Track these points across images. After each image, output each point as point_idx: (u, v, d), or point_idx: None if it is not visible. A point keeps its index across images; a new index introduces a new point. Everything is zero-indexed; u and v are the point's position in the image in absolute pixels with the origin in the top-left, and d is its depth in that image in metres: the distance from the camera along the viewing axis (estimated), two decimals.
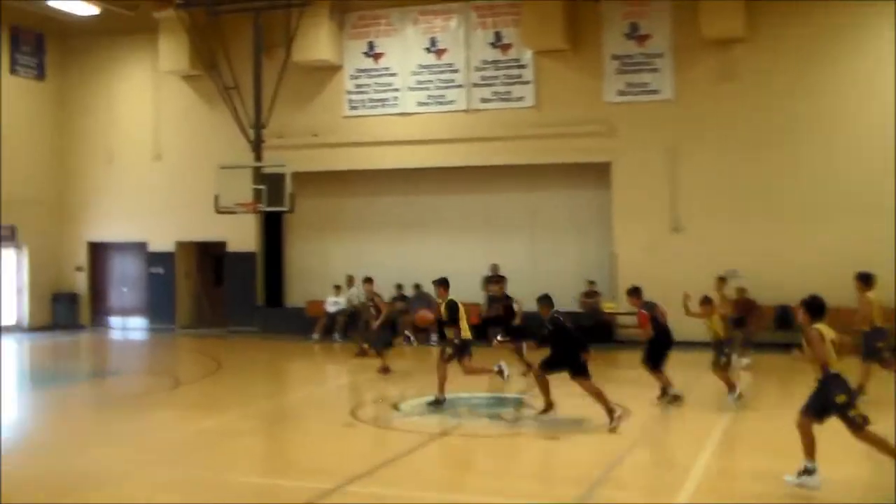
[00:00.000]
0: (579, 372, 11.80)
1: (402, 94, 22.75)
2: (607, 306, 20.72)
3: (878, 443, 8.49)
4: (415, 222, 23.26)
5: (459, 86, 22.27)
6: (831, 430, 8.64)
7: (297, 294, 24.22)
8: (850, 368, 9.04)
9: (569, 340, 11.93)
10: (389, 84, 22.86)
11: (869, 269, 12.96)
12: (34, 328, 24.90)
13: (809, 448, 8.45)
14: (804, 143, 19.90)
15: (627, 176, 21.05)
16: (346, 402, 13.52)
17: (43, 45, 25.65)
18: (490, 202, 22.78)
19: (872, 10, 19.48)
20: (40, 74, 25.65)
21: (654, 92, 20.86)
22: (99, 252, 26.25)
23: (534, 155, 21.57)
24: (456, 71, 22.31)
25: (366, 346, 18.19)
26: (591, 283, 21.08)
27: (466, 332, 13.20)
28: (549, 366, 12.10)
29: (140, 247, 25.51)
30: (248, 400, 14.75)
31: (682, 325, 13.75)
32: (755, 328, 17.45)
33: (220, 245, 24.51)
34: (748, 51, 20.21)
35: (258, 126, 19.67)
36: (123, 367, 19.71)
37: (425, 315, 14.74)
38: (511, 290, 21.10)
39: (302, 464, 10.53)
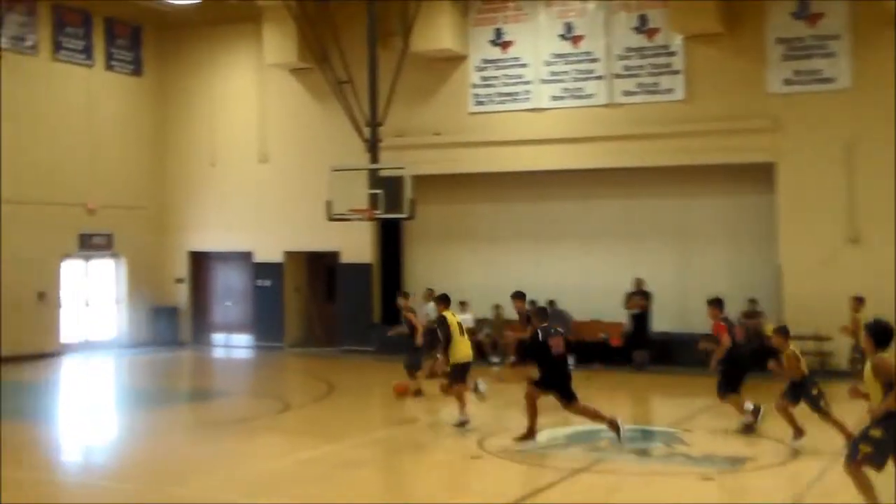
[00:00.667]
0: (566, 397, 12.66)
1: (533, 87, 22.77)
2: (771, 329, 20.19)
3: None
4: (548, 230, 23.21)
5: (599, 77, 22.15)
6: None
7: (418, 310, 24.37)
8: None
9: (550, 358, 12.61)
10: (520, 76, 22.92)
11: None
12: (133, 344, 25.85)
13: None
14: None
15: (795, 178, 20.53)
16: (473, 432, 13.56)
17: (139, 38, 26.69)
18: (633, 208, 22.55)
19: None
20: (137, 70, 26.69)
21: (828, 80, 20.31)
22: (200, 262, 27.09)
23: (684, 155, 21.24)
24: (595, 60, 22.20)
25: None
26: (753, 301, 20.61)
27: (461, 354, 14.45)
28: (540, 384, 12.78)
29: (245, 257, 26.21)
30: (363, 427, 14.99)
31: None
32: None
33: (333, 256, 24.97)
34: None
35: (374, 124, 19.89)
36: (227, 388, 20.28)
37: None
38: (657, 308, 20.96)
39: (423, 499, 10.62)
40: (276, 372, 22.49)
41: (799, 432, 12.59)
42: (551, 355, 12.67)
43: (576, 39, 22.39)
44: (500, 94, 23.16)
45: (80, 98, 25.02)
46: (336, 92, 20.61)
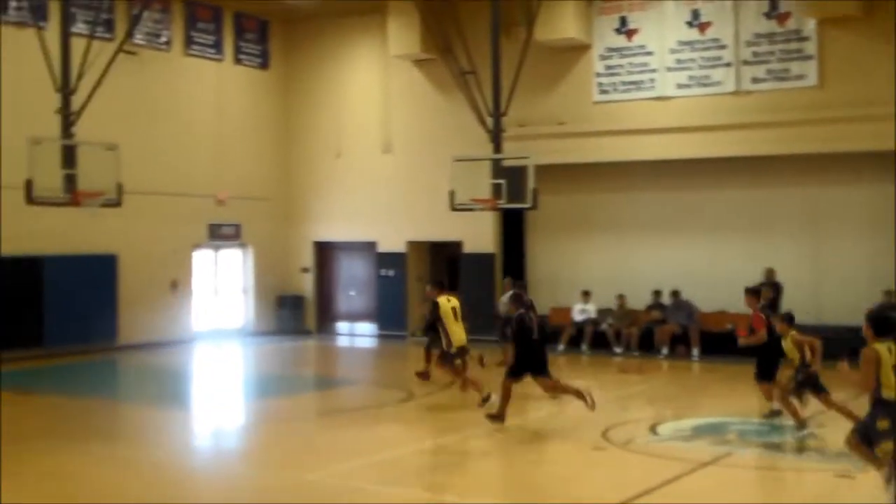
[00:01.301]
0: (539, 371, 13.50)
1: (659, 75, 22.54)
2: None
3: None
4: (673, 221, 22.96)
5: (727, 64, 21.77)
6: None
7: (540, 300, 24.23)
8: None
9: (531, 341, 13.48)
10: (645, 64, 22.70)
11: None
12: (259, 332, 26.55)
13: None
14: None
15: None
16: (596, 422, 13.55)
17: (267, 32, 27.33)
18: (762, 198, 22.13)
19: None
20: (264, 63, 27.32)
21: None
22: (325, 252, 27.62)
23: (817, 143, 20.70)
24: (723, 47, 21.83)
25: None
26: (889, 293, 20.00)
27: (457, 339, 15.38)
28: (515, 373, 13.60)
29: (369, 247, 26.63)
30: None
31: None
32: None
33: (456, 246, 25.18)
34: None
35: (497, 114, 19.95)
36: (351, 377, 20.66)
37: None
38: (787, 300, 20.53)
39: (547, 490, 10.68)
40: (398, 361, 22.78)
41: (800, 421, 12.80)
42: (531, 339, 13.60)
43: (703, 26, 22.06)
44: (625, 83, 22.99)
45: (209, 92, 25.77)
46: (459, 82, 20.71)
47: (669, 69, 22.43)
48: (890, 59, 20.12)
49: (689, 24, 22.20)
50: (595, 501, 9.65)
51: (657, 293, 22.01)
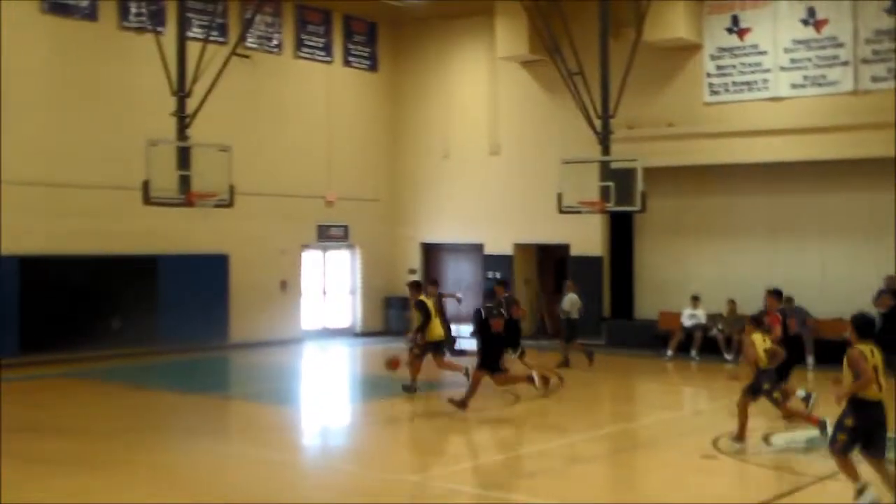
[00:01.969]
0: (493, 369, 14.63)
1: (772, 75, 21.99)
2: None
3: None
4: (785, 224, 22.39)
5: (844, 63, 21.11)
6: None
7: (648, 305, 24.14)
8: None
9: (490, 337, 14.62)
10: (758, 64, 22.17)
11: None
12: (366, 332, 26.74)
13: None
14: None
15: None
16: (706, 430, 13.26)
17: (375, 34, 27.53)
18: (880, 202, 21.30)
19: None
20: (372, 65, 27.53)
21: None
22: (432, 254, 27.68)
23: None
24: (840, 45, 21.17)
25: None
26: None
27: (435, 334, 16.47)
28: (482, 365, 14.78)
29: (476, 249, 26.59)
30: (594, 422, 14.95)
31: None
32: None
33: (563, 248, 24.98)
34: None
35: (605, 116, 19.76)
36: (456, 379, 20.59)
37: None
38: None
39: (653, 498, 10.50)
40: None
41: (742, 434, 12.33)
42: (491, 333, 14.73)
43: (819, 24, 21.44)
44: (736, 84, 22.50)
45: (319, 94, 26.07)
46: (567, 84, 20.56)
47: (783, 69, 21.87)
48: None
49: (805, 21, 21.61)
50: None
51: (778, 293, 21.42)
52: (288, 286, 25.07)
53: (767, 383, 12.55)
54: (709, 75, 22.85)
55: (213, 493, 10.35)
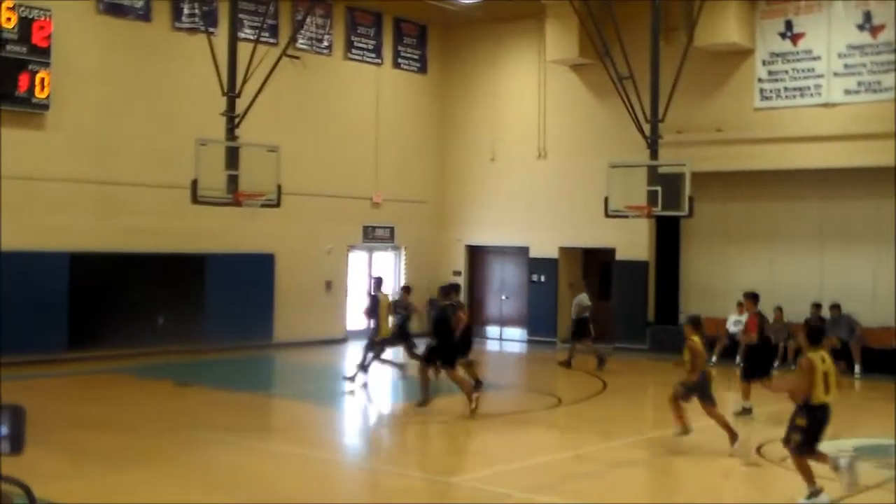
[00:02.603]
0: (446, 361, 14.93)
1: (825, 80, 21.78)
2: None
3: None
4: (835, 231, 22.17)
5: None
6: None
7: (693, 310, 23.68)
8: None
9: (446, 333, 15.05)
10: (811, 70, 21.98)
11: None
12: (410, 334, 26.72)
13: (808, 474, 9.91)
14: None
15: None
16: (749, 437, 13.16)
17: (425, 36, 27.63)
18: None
19: None
20: (422, 68, 27.63)
21: None
22: (477, 256, 27.73)
23: None
24: None
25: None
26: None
27: (384, 331, 17.56)
28: (427, 359, 15.21)
29: (521, 252, 26.59)
30: (636, 426, 14.90)
31: None
32: None
33: (609, 252, 24.92)
34: None
35: (654, 120, 19.64)
36: (500, 381, 20.63)
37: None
38: None
39: None
40: (548, 367, 22.65)
41: (684, 428, 12.77)
42: (449, 329, 15.22)
43: (875, 29, 21.20)
44: (788, 89, 22.32)
45: (368, 95, 26.21)
46: (617, 88, 20.48)
47: (837, 74, 21.66)
48: None
49: (860, 27, 21.38)
50: None
51: (817, 306, 21.24)
52: (333, 286, 25.21)
53: (698, 384, 12.78)
54: (760, 80, 22.69)
55: (255, 491, 10.45)
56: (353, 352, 23.89)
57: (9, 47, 19.12)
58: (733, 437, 12.48)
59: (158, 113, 21.71)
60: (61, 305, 20.03)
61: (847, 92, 21.53)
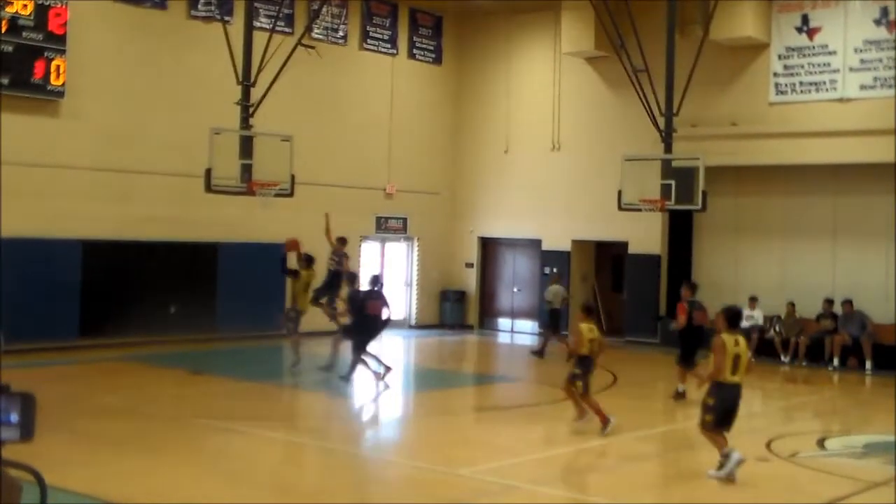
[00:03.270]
0: (361, 346, 16.42)
1: (841, 75, 21.69)
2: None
3: None
4: (848, 227, 22.11)
5: None
6: None
7: (705, 303, 23.85)
8: None
9: (364, 315, 16.25)
10: (827, 64, 21.89)
11: None
12: (421, 325, 26.86)
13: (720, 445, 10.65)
14: None
15: None
16: (760, 433, 13.17)
17: (441, 27, 27.62)
18: None
19: None
20: (437, 59, 27.62)
21: None
22: (490, 248, 27.75)
23: None
24: None
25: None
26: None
27: (303, 305, 18.49)
28: (346, 336, 16.84)
29: (534, 244, 26.59)
30: (646, 420, 14.91)
31: None
32: None
33: (621, 246, 24.91)
34: None
35: (669, 114, 19.60)
36: (510, 373, 20.69)
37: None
38: None
39: (704, 498, 10.45)
40: (558, 359, 22.62)
41: (581, 413, 13.16)
42: (366, 313, 16.37)
43: (892, 24, 21.08)
44: (803, 84, 22.24)
45: (383, 86, 26.22)
46: (632, 81, 20.44)
47: (853, 70, 21.57)
48: None
49: (877, 21, 21.29)
50: None
51: (829, 302, 21.22)
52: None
53: (579, 369, 13.10)
54: (775, 75, 22.61)
55: (266, 480, 10.52)
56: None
57: (25, 34, 19.18)
58: (605, 421, 12.81)
59: (173, 101, 21.75)
60: (73, 293, 20.10)
61: (862, 87, 21.44)
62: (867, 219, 21.86)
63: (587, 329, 13.31)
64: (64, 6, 19.74)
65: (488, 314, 27.64)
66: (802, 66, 22.27)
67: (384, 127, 26.22)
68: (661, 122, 19.57)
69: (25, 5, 19.18)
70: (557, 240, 25.93)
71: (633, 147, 21.27)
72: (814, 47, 22.13)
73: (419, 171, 27.03)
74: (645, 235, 24.11)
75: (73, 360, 18.53)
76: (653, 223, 23.68)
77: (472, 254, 27.69)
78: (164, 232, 21.40)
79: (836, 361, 20.50)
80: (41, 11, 19.41)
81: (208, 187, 17.95)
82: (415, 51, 27.02)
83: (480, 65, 27.60)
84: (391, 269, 26.92)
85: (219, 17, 20.52)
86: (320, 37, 24.35)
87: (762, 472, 11.42)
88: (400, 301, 27.13)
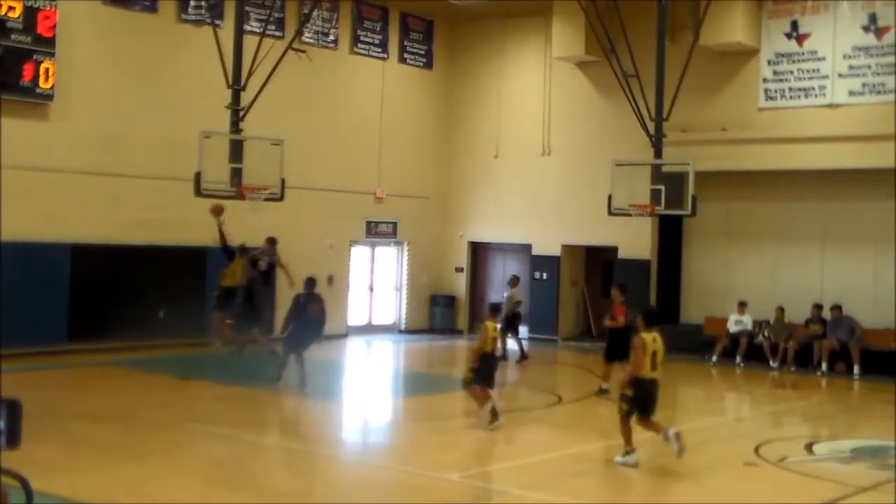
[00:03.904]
0: (296, 346, 16.32)
1: (830, 81, 21.80)
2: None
3: None
4: (837, 232, 22.21)
5: None
6: None
7: (694, 309, 24.04)
8: None
9: (304, 319, 16.13)
10: (815, 70, 21.99)
11: None
12: (410, 330, 26.85)
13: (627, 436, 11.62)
14: None
15: None
16: (748, 437, 13.21)
17: (432, 32, 27.64)
18: None
19: None
20: (428, 63, 27.62)
21: None
22: (480, 253, 27.76)
23: None
24: None
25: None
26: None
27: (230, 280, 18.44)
28: (287, 340, 16.57)
29: (524, 249, 26.61)
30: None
31: None
32: None
33: (611, 250, 24.93)
34: None
35: (659, 119, 19.64)
36: (500, 378, 20.58)
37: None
38: None
39: (696, 501, 10.44)
40: (549, 365, 22.71)
41: (494, 415, 13.42)
42: (305, 316, 16.27)
43: (881, 31, 21.21)
44: (792, 89, 22.34)
45: (374, 90, 26.21)
46: (622, 86, 20.47)
47: (842, 76, 21.68)
48: None
49: (866, 28, 21.40)
50: None
51: (818, 307, 21.28)
52: (335, 281, 25.21)
53: (479, 365, 13.58)
54: (765, 80, 22.70)
55: (255, 486, 10.50)
56: (354, 347, 24.02)
57: (13, 37, 19.12)
58: (494, 416, 13.35)
59: (162, 105, 21.70)
60: (62, 297, 20.03)
61: (851, 93, 21.54)
62: (856, 224, 21.95)
63: (493, 328, 13.83)
64: (53, 9, 19.70)
65: (478, 319, 27.51)
66: (792, 72, 22.36)
67: (374, 131, 26.21)
68: (651, 127, 19.59)
69: (14, 8, 19.13)
70: (547, 244, 25.96)
71: (623, 152, 21.26)
72: (803, 53, 22.23)
73: (409, 176, 27.03)
74: (635, 240, 24.14)
75: (62, 364, 18.45)
76: (643, 228, 23.72)
77: (462, 258, 27.69)
78: (153, 236, 21.35)
79: (824, 366, 20.57)
80: (30, 14, 19.36)
81: (198, 191, 17.88)
82: (405, 55, 27.02)
83: (471, 69, 27.61)
84: (381, 273, 26.93)
85: (209, 20, 20.50)
86: (311, 41, 24.34)
87: (751, 477, 11.45)
88: (390, 305, 27.15)
